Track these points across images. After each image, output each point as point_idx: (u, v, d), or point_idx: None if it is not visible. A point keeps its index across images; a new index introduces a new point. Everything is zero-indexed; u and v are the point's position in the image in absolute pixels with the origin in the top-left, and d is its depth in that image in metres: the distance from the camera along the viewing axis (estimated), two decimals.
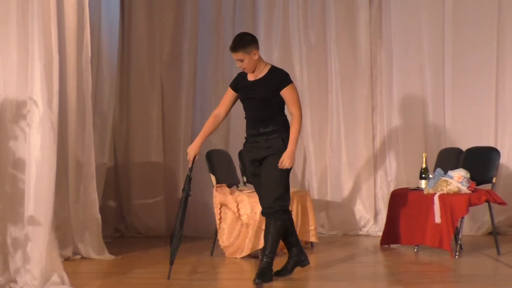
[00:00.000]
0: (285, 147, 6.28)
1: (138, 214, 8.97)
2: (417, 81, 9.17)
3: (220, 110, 6.50)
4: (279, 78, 6.35)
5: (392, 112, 9.20)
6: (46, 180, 5.75)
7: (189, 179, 6.41)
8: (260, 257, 6.44)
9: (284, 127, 6.36)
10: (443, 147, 8.79)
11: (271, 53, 9.17)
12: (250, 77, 6.41)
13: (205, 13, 9.17)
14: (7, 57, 5.84)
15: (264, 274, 6.28)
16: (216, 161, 7.72)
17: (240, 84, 6.45)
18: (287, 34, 9.22)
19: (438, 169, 7.75)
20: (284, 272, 6.52)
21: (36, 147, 5.74)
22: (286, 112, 6.42)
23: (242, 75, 6.48)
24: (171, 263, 6.27)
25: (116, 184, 9.06)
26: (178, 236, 6.31)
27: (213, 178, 7.66)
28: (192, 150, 6.42)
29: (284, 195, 6.33)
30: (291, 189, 8.16)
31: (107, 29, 8.67)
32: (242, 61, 6.29)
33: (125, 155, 9.07)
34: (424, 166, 7.93)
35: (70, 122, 7.11)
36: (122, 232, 8.98)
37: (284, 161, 6.25)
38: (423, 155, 7.98)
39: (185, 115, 9.07)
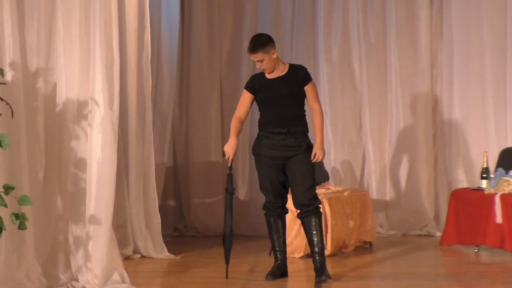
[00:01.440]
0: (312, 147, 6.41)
1: (197, 214, 9.03)
2: (478, 80, 9.05)
3: (241, 113, 6.52)
4: (303, 73, 6.47)
5: (453, 111, 9.10)
6: (107, 180, 5.82)
7: (231, 178, 6.42)
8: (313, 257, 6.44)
9: (307, 127, 6.48)
10: (505, 146, 8.67)
11: (330, 52, 9.15)
12: (270, 76, 6.45)
13: (265, 13, 9.18)
14: (69, 58, 5.93)
15: (326, 269, 6.34)
16: None
17: (258, 84, 6.47)
18: (347, 33, 9.18)
19: (500, 169, 7.65)
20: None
21: (97, 147, 5.82)
22: None
23: (258, 76, 6.53)
24: (227, 262, 6.31)
25: (175, 184, 9.12)
26: (229, 237, 6.33)
27: None
28: (231, 148, 6.43)
29: (316, 192, 6.45)
30: (351, 189, 8.18)
31: (167, 29, 8.74)
32: (262, 61, 6.35)
33: (184, 154, 9.13)
34: (485, 165, 7.83)
35: (130, 121, 7.19)
36: (181, 231, 9.04)
37: (318, 154, 6.34)
38: (484, 155, 7.89)
39: None
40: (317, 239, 6.37)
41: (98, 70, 5.86)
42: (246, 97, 6.53)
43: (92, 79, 5.87)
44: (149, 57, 7.32)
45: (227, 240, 6.33)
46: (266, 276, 6.40)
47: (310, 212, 6.36)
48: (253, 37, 6.49)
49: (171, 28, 8.85)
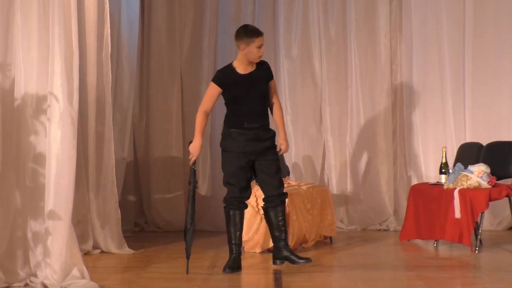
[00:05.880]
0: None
1: (157, 209, 9.01)
2: (437, 75, 9.14)
3: (208, 107, 6.48)
4: (268, 68, 6.58)
5: (412, 107, 9.18)
6: (66, 175, 5.78)
7: (194, 172, 6.42)
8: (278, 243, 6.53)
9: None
10: (463, 141, 8.76)
11: (290, 48, 9.18)
12: (241, 71, 6.45)
13: (225, 8, 9.18)
14: (28, 52, 5.87)
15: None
16: None
17: (230, 79, 6.43)
18: (307, 29, 9.21)
19: (458, 164, 7.72)
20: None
21: (56, 141, 5.77)
22: None
23: (228, 71, 6.48)
24: (188, 257, 6.30)
25: (135, 179, 9.10)
26: (191, 231, 6.33)
27: None
28: (196, 149, 6.41)
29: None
30: (311, 184, 8.20)
31: (127, 24, 8.70)
32: (262, 46, 6.43)
33: (145, 149, 9.11)
34: (444, 160, 7.90)
35: (90, 116, 7.15)
36: (141, 227, 9.02)
37: (284, 145, 6.54)
38: (443, 150, 7.96)
39: None
40: (285, 228, 6.53)
41: (57, 64, 5.81)
42: (216, 91, 6.46)
43: (51, 73, 5.82)
44: (109, 52, 7.29)
45: (189, 233, 6.32)
46: (224, 270, 6.41)
47: (280, 202, 6.50)
48: (247, 25, 6.57)
49: (131, 23, 8.81)
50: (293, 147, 9.12)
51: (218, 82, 6.45)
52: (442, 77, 9.12)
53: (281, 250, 6.50)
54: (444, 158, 7.91)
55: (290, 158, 9.02)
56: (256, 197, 7.45)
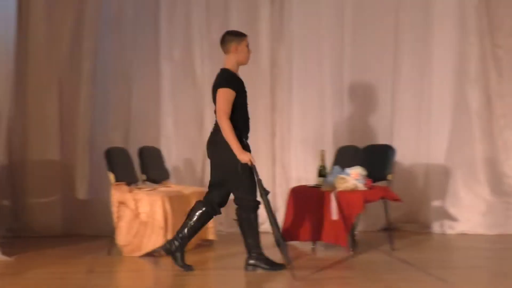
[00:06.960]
0: None
1: (33, 213, 8.80)
2: (317, 79, 9.29)
3: (230, 113, 6.37)
4: None
5: (292, 110, 9.29)
6: None
7: (260, 182, 6.46)
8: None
9: None
10: (341, 144, 8.92)
11: (172, 50, 9.16)
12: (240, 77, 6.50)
13: (107, 10, 9.07)
14: None
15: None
16: (115, 159, 7.65)
17: (239, 83, 6.43)
18: (189, 32, 9.21)
19: (336, 167, 7.85)
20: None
21: None
22: None
23: (233, 75, 6.46)
24: (289, 263, 6.44)
25: (10, 182, 8.86)
26: (282, 239, 6.39)
27: (111, 176, 7.58)
28: (248, 154, 6.40)
29: None
30: (192, 187, 8.20)
31: (2, 22, 8.45)
32: None
33: (20, 152, 8.88)
34: (321, 163, 8.02)
35: None
36: (16, 232, 8.79)
37: None
38: (321, 153, 8.08)
39: (83, 113, 8.94)
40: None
41: None
42: (232, 96, 6.34)
43: None
44: None
45: (282, 243, 6.38)
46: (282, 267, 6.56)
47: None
48: (230, 30, 6.70)
49: (7, 22, 8.56)
50: (174, 150, 9.11)
51: (233, 86, 6.36)
52: (322, 80, 9.27)
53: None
54: (321, 161, 8.03)
55: (171, 161, 8.97)
56: (136, 200, 7.40)
